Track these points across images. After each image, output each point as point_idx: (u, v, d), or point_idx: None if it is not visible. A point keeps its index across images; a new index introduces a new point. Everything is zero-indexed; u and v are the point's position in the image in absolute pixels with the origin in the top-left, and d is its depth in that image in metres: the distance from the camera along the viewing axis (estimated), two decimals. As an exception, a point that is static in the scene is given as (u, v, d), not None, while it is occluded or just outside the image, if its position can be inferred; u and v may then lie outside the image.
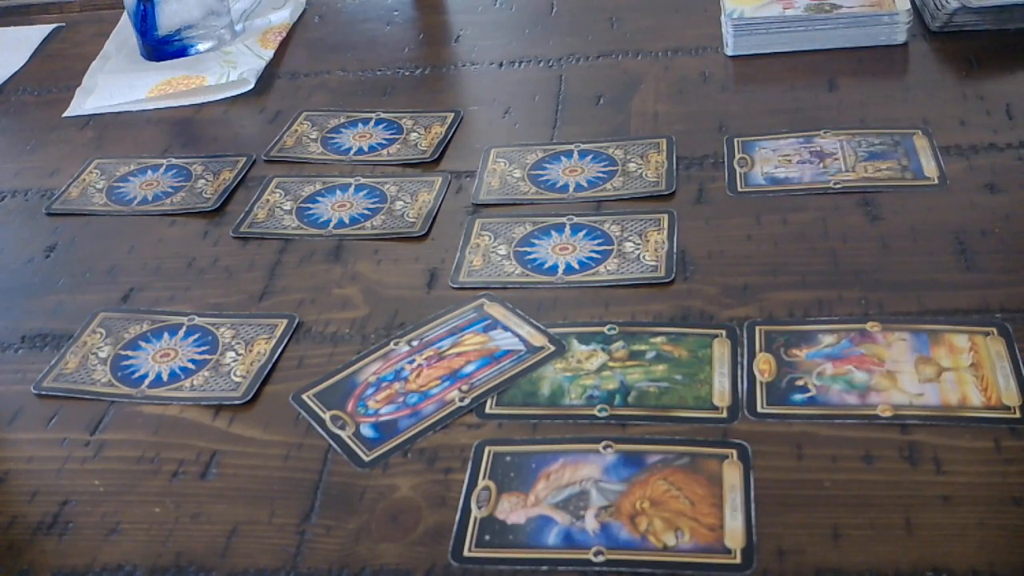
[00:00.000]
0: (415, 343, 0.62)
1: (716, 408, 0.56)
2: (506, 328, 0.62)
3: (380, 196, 0.77)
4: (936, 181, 0.71)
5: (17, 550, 0.53)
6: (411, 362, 0.60)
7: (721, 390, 0.57)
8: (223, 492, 0.55)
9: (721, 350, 0.59)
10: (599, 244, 0.69)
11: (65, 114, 0.95)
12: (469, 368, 0.59)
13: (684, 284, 0.64)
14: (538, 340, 0.60)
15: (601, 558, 0.48)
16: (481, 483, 0.53)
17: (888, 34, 0.88)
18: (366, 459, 0.55)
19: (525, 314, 0.63)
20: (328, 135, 0.86)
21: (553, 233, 0.70)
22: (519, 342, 0.61)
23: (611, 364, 0.59)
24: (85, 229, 0.78)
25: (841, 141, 0.76)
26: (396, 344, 0.62)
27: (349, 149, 0.84)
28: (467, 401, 0.57)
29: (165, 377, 0.62)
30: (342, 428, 0.57)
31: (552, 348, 0.60)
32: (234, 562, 0.51)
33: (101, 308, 0.69)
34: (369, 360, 0.61)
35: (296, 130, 0.87)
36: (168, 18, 1.00)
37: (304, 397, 0.59)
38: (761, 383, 0.57)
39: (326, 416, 0.58)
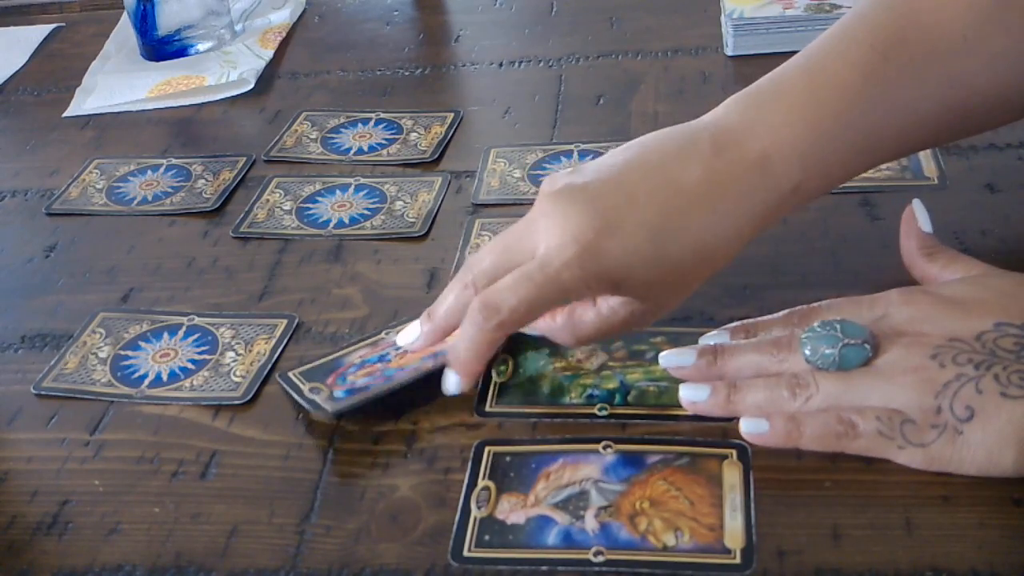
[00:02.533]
0: None
1: (716, 408, 0.56)
2: None
3: (380, 196, 0.77)
4: (936, 181, 0.71)
5: (17, 550, 0.53)
6: (396, 349, 0.60)
7: (721, 390, 0.57)
8: (223, 492, 0.55)
9: (721, 350, 0.59)
10: (599, 244, 0.68)
11: (65, 114, 0.95)
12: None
13: (684, 284, 0.64)
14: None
15: (601, 558, 0.48)
16: (481, 483, 0.53)
17: (888, 34, 0.88)
18: (330, 410, 0.56)
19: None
20: (328, 135, 0.86)
21: (553, 233, 0.70)
22: None
23: (611, 364, 0.59)
24: (85, 229, 0.78)
25: (841, 141, 0.76)
26: (387, 334, 0.62)
27: (349, 149, 0.84)
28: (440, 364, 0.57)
29: (165, 377, 0.62)
30: (316, 394, 0.58)
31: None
32: (234, 562, 0.51)
33: (101, 308, 0.69)
34: (358, 347, 0.62)
35: (296, 130, 0.87)
36: (168, 18, 1.00)
37: (290, 374, 0.60)
38: (761, 383, 0.57)
39: (305, 387, 0.59)
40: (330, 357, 0.61)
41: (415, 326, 0.58)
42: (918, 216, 0.58)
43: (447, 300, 0.56)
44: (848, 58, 0.57)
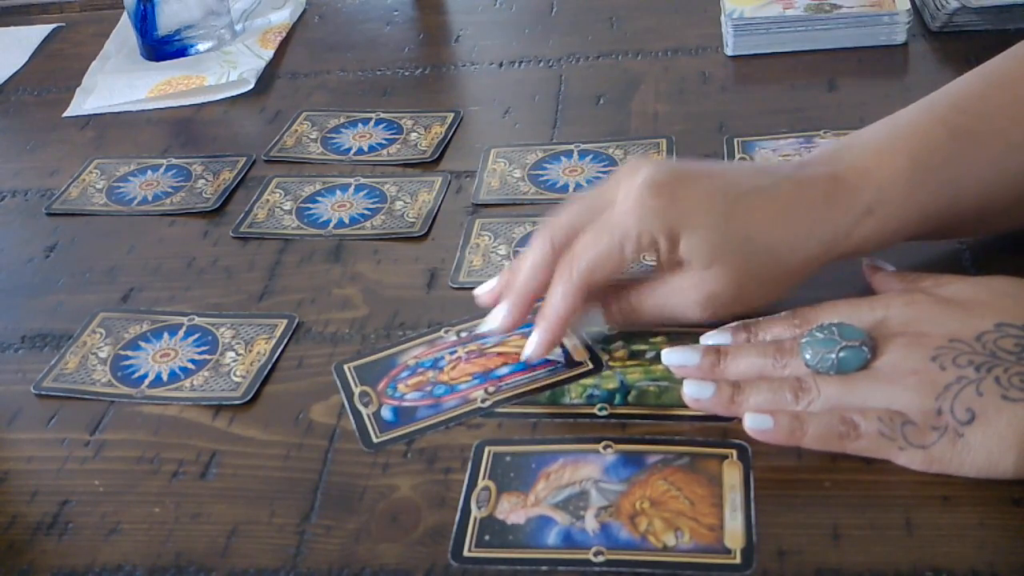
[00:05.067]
0: (463, 334, 0.62)
1: (716, 408, 0.56)
2: None
3: (380, 196, 0.77)
4: (936, 181, 0.71)
5: (17, 550, 0.53)
6: (452, 352, 0.60)
7: (721, 390, 0.57)
8: (223, 492, 0.55)
9: (721, 350, 0.59)
10: (599, 244, 0.68)
11: (65, 114, 0.95)
12: (503, 371, 0.59)
13: (684, 284, 0.64)
14: (580, 355, 0.60)
15: (601, 558, 0.48)
16: (481, 483, 0.53)
17: (888, 34, 0.88)
18: (375, 440, 0.55)
19: (577, 327, 0.61)
20: (328, 135, 0.86)
21: (553, 233, 0.70)
22: (561, 353, 0.60)
23: (611, 363, 0.59)
24: (85, 229, 0.78)
25: (841, 141, 0.76)
26: (445, 333, 0.62)
27: (349, 149, 0.84)
28: (488, 403, 0.57)
29: (165, 377, 0.62)
30: (366, 405, 0.57)
31: (590, 366, 0.59)
32: (234, 562, 0.51)
33: (101, 308, 0.69)
34: (416, 343, 0.62)
35: (296, 130, 0.87)
36: (168, 18, 1.00)
37: (345, 368, 0.60)
38: (761, 383, 0.57)
39: (356, 391, 0.58)
40: (386, 353, 0.61)
41: (498, 309, 0.58)
42: (879, 263, 0.59)
43: (527, 261, 0.58)
44: (933, 113, 0.59)
